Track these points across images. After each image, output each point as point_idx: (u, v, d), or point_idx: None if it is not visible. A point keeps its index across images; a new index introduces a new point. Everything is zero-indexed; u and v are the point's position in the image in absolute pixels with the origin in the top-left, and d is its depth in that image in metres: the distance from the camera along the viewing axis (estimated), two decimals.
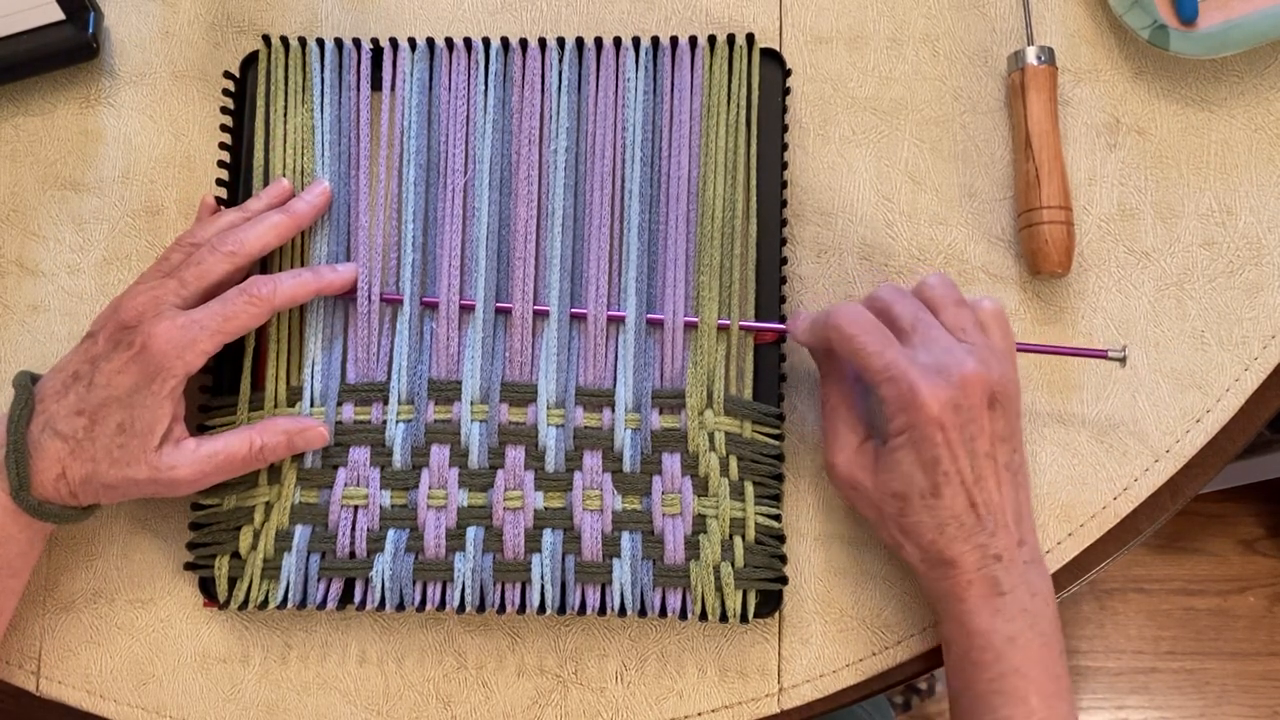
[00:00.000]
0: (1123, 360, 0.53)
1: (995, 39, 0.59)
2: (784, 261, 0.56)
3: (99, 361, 0.50)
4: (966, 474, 0.48)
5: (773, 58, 0.57)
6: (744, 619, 0.53)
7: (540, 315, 0.55)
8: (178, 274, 0.51)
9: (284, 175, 0.56)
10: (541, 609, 0.53)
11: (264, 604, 0.53)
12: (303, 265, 0.56)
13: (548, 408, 0.54)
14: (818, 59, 0.59)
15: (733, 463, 0.54)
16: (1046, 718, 0.47)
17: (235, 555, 0.54)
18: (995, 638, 0.48)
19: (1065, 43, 0.59)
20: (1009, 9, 0.59)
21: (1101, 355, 0.53)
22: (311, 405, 0.54)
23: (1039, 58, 0.56)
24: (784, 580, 0.54)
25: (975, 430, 0.48)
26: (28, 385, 0.51)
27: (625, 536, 0.53)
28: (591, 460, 0.54)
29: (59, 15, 0.59)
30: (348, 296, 0.55)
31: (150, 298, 0.50)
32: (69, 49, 0.59)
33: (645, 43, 0.57)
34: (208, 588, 0.55)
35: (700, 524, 0.53)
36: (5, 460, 0.50)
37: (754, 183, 0.56)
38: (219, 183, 0.57)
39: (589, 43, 0.57)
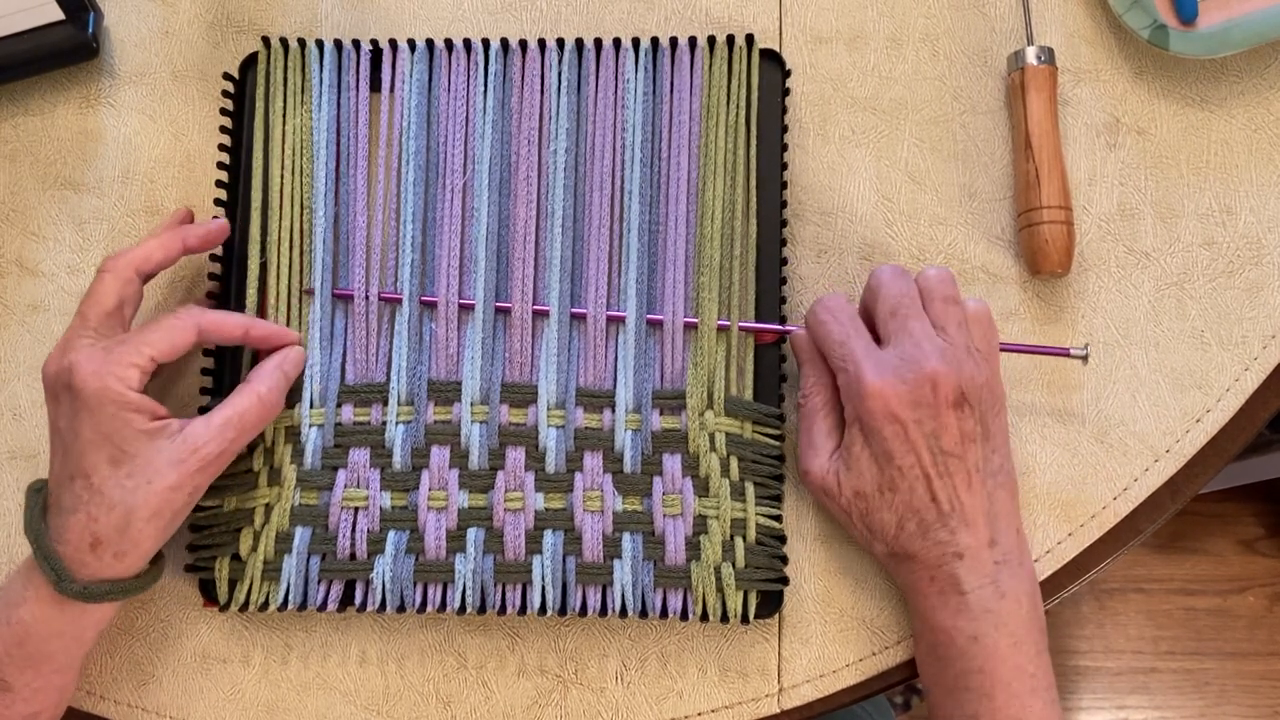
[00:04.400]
0: (1085, 359, 0.53)
1: (995, 39, 0.59)
2: (784, 262, 0.56)
3: (56, 426, 0.49)
4: (928, 468, 0.49)
5: (772, 58, 0.57)
6: (745, 619, 0.53)
7: (540, 316, 0.55)
8: (78, 312, 0.50)
9: (283, 176, 0.56)
10: (542, 610, 0.53)
11: (264, 606, 0.53)
12: (303, 267, 0.56)
13: (548, 408, 0.54)
14: (817, 59, 0.59)
15: (733, 463, 0.54)
16: (1015, 715, 0.47)
17: (235, 557, 0.54)
18: (958, 636, 0.48)
19: (1065, 43, 0.59)
20: (1009, 9, 0.59)
21: (1064, 353, 0.54)
22: (311, 406, 0.54)
23: (1039, 58, 0.56)
24: (785, 580, 0.54)
25: (937, 427, 0.49)
26: (38, 489, 0.50)
27: (626, 537, 0.53)
28: (592, 461, 0.54)
29: (59, 15, 0.59)
30: (346, 297, 0.55)
31: (59, 345, 0.50)
32: (69, 49, 0.59)
33: (645, 44, 0.57)
34: (208, 589, 0.55)
35: (701, 525, 0.53)
36: (37, 562, 0.48)
37: (754, 183, 0.56)
38: (218, 184, 0.57)
39: (588, 44, 0.57)
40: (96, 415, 0.48)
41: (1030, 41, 0.58)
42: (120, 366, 0.48)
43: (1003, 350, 0.53)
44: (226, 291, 0.57)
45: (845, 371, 0.50)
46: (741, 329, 0.55)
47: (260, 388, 0.51)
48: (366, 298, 0.55)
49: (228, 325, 0.52)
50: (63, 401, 0.49)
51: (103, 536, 0.48)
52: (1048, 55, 0.57)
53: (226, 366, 0.56)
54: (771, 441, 0.54)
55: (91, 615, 0.50)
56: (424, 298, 0.55)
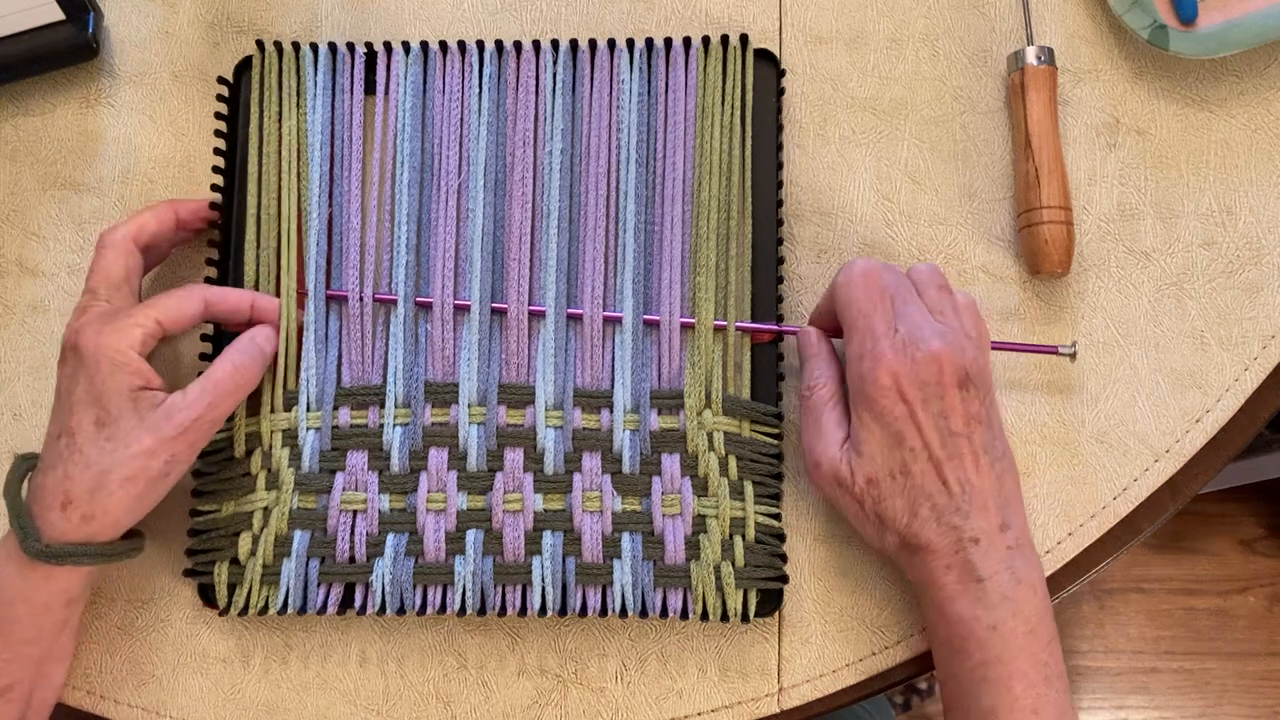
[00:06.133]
0: (1073, 356, 0.54)
1: (995, 39, 0.59)
2: (780, 261, 0.56)
3: (59, 388, 0.50)
4: (936, 450, 0.49)
5: (767, 58, 0.57)
6: (745, 618, 0.53)
7: (536, 317, 0.55)
8: (86, 289, 0.52)
9: (279, 179, 0.56)
10: (542, 610, 0.53)
11: (264, 610, 0.53)
12: (299, 267, 0.55)
13: (546, 409, 0.54)
14: (817, 59, 0.59)
15: (732, 462, 0.54)
16: (1032, 706, 0.47)
17: (234, 561, 0.54)
18: (976, 626, 0.48)
19: (1065, 43, 0.59)
20: (1009, 9, 0.59)
21: (1052, 351, 0.54)
22: (308, 410, 0.54)
23: (1039, 58, 0.56)
24: (784, 579, 0.54)
25: (945, 408, 0.49)
26: (25, 456, 0.51)
27: (625, 537, 0.53)
28: (590, 462, 0.54)
29: (59, 15, 0.59)
30: (341, 299, 0.55)
31: (73, 314, 0.51)
32: (69, 49, 0.59)
33: (640, 44, 0.57)
34: (208, 594, 0.55)
35: (700, 524, 0.53)
36: (9, 521, 0.49)
37: (749, 183, 0.56)
38: (214, 188, 0.57)
39: (583, 45, 0.57)
40: (91, 372, 0.49)
41: (1030, 41, 0.58)
42: (125, 326, 0.50)
43: (992, 349, 0.53)
44: None
45: (861, 342, 0.50)
46: (738, 329, 0.55)
47: (236, 358, 0.52)
48: (361, 299, 0.55)
49: (232, 298, 0.54)
50: (68, 362, 0.50)
51: (74, 495, 0.48)
52: (1048, 55, 0.57)
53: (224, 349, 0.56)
54: (770, 440, 0.54)
55: (58, 582, 0.50)
56: (419, 299, 0.55)
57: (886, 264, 0.52)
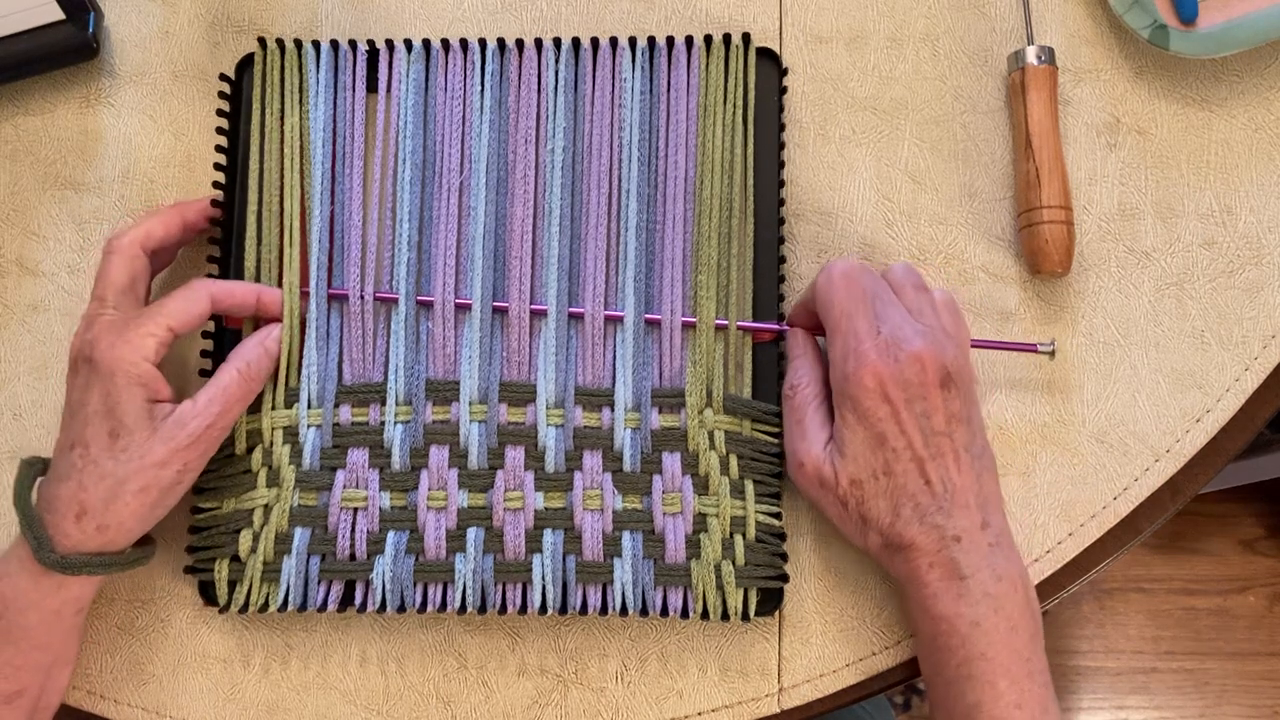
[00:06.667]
0: (1051, 354, 0.54)
1: (995, 39, 0.59)
2: (782, 260, 0.56)
3: (70, 398, 0.50)
4: (919, 449, 0.49)
5: (769, 57, 0.57)
6: (745, 617, 0.53)
7: (538, 315, 0.55)
8: (93, 295, 0.52)
9: (281, 177, 0.56)
10: (543, 609, 0.53)
11: (264, 607, 0.53)
12: (303, 267, 0.55)
13: (547, 408, 0.54)
14: (818, 59, 0.59)
15: (733, 461, 0.54)
16: (1016, 701, 0.47)
17: (235, 558, 0.54)
18: (959, 623, 0.48)
19: (1065, 42, 0.59)
20: (1009, 9, 0.59)
21: (1031, 349, 0.54)
22: (309, 407, 0.54)
23: (1039, 57, 0.56)
24: (785, 578, 0.54)
25: (928, 407, 0.49)
26: (30, 461, 0.51)
27: (626, 536, 0.53)
28: (591, 460, 0.54)
29: (59, 15, 0.59)
30: (342, 297, 0.55)
31: (82, 324, 0.51)
32: (69, 49, 0.59)
33: (642, 43, 0.57)
34: (208, 591, 0.55)
35: (701, 523, 0.53)
36: (21, 530, 0.49)
37: (751, 182, 0.56)
38: (215, 185, 0.57)
39: (585, 43, 0.57)
40: (106, 385, 0.49)
41: (1030, 41, 0.58)
42: (138, 337, 0.49)
43: (972, 347, 0.53)
44: None
45: (845, 343, 0.50)
46: (740, 328, 0.55)
47: (240, 363, 0.52)
48: (362, 297, 0.55)
49: (238, 292, 0.53)
50: (80, 373, 0.50)
51: (89, 506, 0.49)
52: (1048, 55, 0.57)
53: (226, 348, 0.56)
54: (771, 439, 0.54)
55: (70, 590, 0.50)
56: (420, 297, 0.55)
57: (864, 266, 0.52)
